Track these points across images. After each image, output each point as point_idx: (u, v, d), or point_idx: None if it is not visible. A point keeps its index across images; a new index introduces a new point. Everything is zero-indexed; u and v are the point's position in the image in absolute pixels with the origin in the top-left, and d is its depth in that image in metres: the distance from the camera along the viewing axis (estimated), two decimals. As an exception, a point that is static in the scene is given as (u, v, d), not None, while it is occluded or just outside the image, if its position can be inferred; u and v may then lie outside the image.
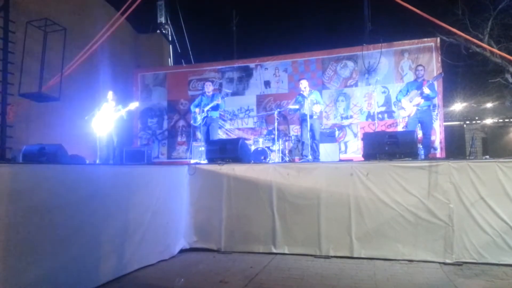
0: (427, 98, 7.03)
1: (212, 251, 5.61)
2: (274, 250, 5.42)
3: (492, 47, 11.74)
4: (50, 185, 3.59)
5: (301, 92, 7.81)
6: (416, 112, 7.06)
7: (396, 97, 8.16)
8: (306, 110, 7.41)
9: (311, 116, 7.41)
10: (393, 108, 9.47)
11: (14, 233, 3.21)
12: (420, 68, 7.46)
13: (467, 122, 15.62)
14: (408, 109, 7.15)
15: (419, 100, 7.01)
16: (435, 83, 7.56)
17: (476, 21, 12.49)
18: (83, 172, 4.16)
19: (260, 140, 9.09)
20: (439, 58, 9.51)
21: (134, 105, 8.30)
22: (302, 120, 7.72)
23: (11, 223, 3.20)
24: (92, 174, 4.26)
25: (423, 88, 6.93)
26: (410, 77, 9.25)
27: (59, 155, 6.25)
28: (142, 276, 4.51)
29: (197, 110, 8.23)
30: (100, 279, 4.10)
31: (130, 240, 4.59)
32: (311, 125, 7.47)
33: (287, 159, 8.66)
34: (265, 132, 9.86)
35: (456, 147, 14.04)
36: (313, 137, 7.57)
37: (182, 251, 5.66)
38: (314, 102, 7.48)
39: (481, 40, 11.82)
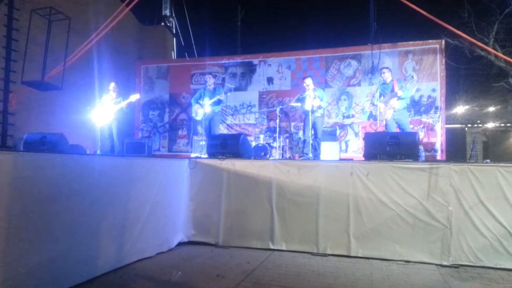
0: (399, 98, 7.03)
1: (210, 245, 5.62)
2: (271, 246, 5.43)
3: (497, 51, 11.71)
4: (51, 174, 3.59)
5: (305, 90, 7.82)
6: (393, 114, 7.09)
7: (371, 102, 8.17)
8: (307, 106, 7.41)
9: (313, 112, 7.40)
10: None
11: (14, 221, 3.21)
12: (384, 70, 7.43)
13: (469, 125, 15.61)
14: (384, 112, 7.15)
15: (394, 102, 7.03)
16: (407, 83, 7.52)
17: (481, 25, 12.46)
18: (84, 162, 4.16)
19: (261, 136, 9.10)
20: (443, 60, 9.49)
21: (135, 97, 8.28)
22: (305, 116, 7.73)
23: (11, 210, 3.20)
24: (93, 164, 4.26)
25: (398, 91, 6.95)
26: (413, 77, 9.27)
27: (60, 145, 6.27)
28: (141, 267, 4.53)
29: (196, 106, 8.09)
30: (98, 270, 4.10)
31: (129, 232, 4.60)
32: (314, 123, 7.47)
33: (287, 156, 8.67)
34: (264, 128, 9.88)
35: (457, 150, 14.04)
36: (315, 135, 7.56)
37: (180, 244, 5.67)
38: (315, 97, 7.46)
39: (486, 43, 11.80)
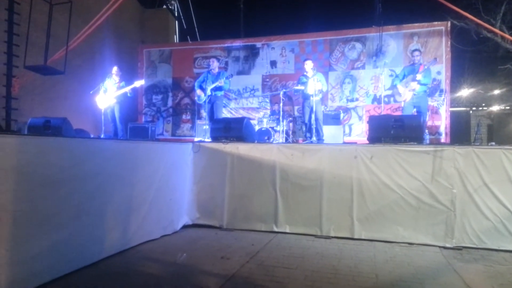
0: (419, 83, 7.01)
1: (214, 228, 5.67)
2: (275, 229, 5.47)
3: (504, 32, 11.51)
4: (56, 158, 3.60)
5: (305, 73, 7.78)
6: (412, 97, 7.06)
7: (392, 82, 8.16)
8: (309, 90, 7.38)
9: (312, 96, 7.38)
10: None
11: (19, 205, 3.23)
12: (416, 53, 7.38)
13: (474, 108, 15.48)
14: (403, 94, 7.11)
15: (414, 85, 6.99)
16: (431, 68, 7.47)
17: (488, 6, 12.21)
18: (89, 146, 4.17)
19: (265, 120, 9.08)
20: (449, 43, 9.36)
21: (139, 82, 8.29)
22: (304, 100, 7.71)
23: (17, 194, 3.21)
24: (98, 148, 4.26)
25: (417, 74, 6.91)
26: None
27: (64, 129, 6.29)
28: (146, 250, 4.58)
29: (198, 91, 8.09)
30: (104, 252, 4.16)
31: (134, 215, 4.65)
32: (313, 107, 7.44)
33: (291, 139, 8.66)
34: (268, 112, 9.84)
35: (462, 133, 13.97)
36: (315, 119, 7.53)
37: (184, 227, 5.73)
38: (316, 81, 7.44)
39: (493, 25, 11.57)
